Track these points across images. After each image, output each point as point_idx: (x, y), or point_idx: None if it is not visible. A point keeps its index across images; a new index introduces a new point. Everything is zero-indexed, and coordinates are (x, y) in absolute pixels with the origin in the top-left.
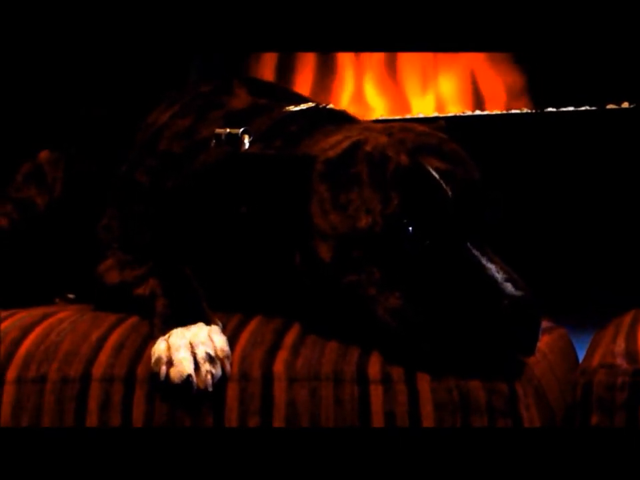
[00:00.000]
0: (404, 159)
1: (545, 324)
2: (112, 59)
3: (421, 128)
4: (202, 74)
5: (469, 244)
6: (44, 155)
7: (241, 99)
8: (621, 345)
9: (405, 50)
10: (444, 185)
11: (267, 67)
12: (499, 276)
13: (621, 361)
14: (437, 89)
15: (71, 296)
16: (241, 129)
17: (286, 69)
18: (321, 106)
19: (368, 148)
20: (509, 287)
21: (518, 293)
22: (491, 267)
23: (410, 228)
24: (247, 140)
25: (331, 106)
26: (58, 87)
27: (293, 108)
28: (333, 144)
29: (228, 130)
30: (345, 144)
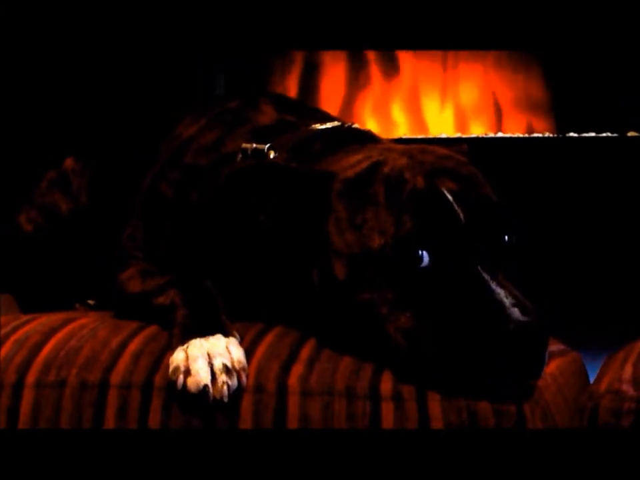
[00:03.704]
0: (420, 181)
1: (558, 347)
2: (133, 67)
3: (441, 150)
4: (225, 80)
5: (479, 267)
6: (69, 162)
7: (267, 115)
8: (628, 371)
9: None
10: (457, 209)
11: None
12: (507, 301)
13: (627, 387)
14: (456, 107)
15: (91, 302)
16: (267, 145)
17: (310, 83)
18: (346, 125)
19: (386, 169)
20: (516, 312)
21: (524, 319)
22: (500, 291)
23: (420, 251)
24: (272, 155)
25: (356, 125)
26: (81, 94)
27: (318, 126)
28: (353, 163)
29: (254, 145)
30: (365, 164)
